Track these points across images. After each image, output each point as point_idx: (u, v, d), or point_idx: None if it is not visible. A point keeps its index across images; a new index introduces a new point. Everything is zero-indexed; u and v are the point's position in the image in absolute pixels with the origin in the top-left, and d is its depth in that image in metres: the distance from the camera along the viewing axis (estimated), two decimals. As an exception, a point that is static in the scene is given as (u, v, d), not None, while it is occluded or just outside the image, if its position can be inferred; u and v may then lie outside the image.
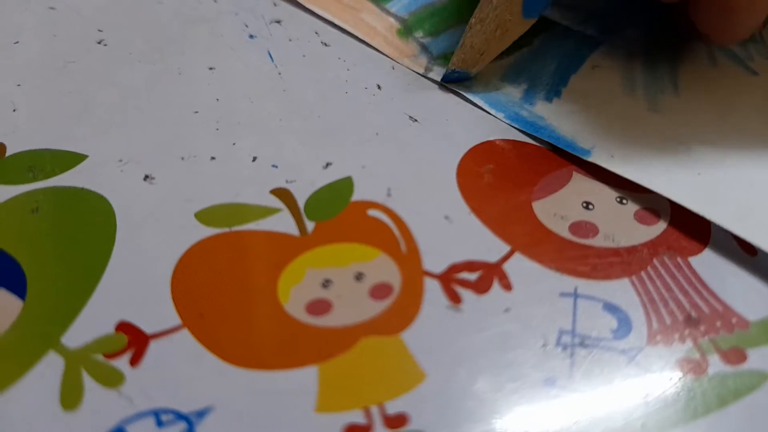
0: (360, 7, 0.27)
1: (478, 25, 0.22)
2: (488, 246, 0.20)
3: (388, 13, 0.27)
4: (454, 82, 0.24)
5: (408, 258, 0.20)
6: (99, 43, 0.26)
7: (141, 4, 0.27)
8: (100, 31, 0.26)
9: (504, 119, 0.23)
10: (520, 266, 0.20)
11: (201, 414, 0.16)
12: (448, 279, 0.19)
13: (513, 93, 0.24)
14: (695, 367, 0.18)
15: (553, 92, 0.24)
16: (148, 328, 0.18)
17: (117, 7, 0.27)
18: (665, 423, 0.17)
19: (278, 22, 0.26)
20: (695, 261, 0.20)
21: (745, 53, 0.25)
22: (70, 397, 0.16)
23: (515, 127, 0.23)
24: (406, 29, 0.26)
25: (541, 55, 0.25)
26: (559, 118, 0.23)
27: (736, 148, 0.22)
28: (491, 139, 0.23)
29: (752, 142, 0.22)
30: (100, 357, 0.17)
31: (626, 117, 0.23)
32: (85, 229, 0.20)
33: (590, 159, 0.22)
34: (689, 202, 0.20)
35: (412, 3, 0.27)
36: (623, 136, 0.22)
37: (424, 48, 0.26)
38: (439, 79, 0.24)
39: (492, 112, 0.23)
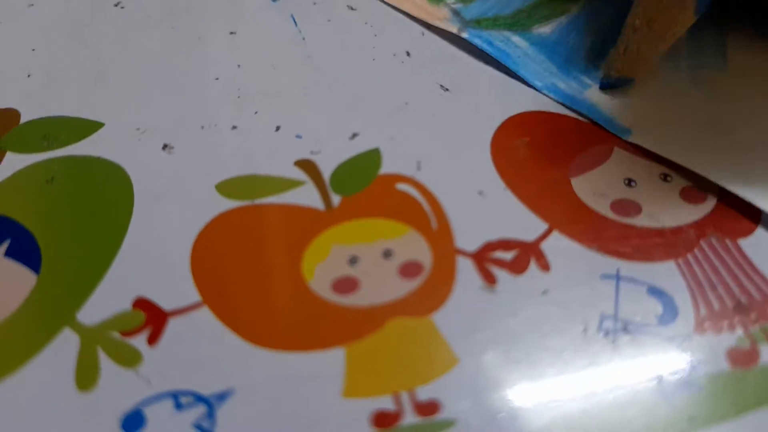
0: None
1: (644, 27, 0.20)
2: (524, 223, 0.19)
3: None
4: (611, 89, 0.22)
5: (439, 235, 0.19)
6: (116, 5, 0.24)
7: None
8: (117, -7, 0.25)
9: (541, 90, 0.22)
10: (558, 245, 0.18)
11: (222, 397, 0.16)
12: (482, 258, 0.18)
13: (550, 64, 0.23)
14: (745, 357, 0.17)
15: (593, 65, 0.23)
16: (166, 305, 0.17)
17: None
18: (713, 416, 0.16)
19: (302, -16, 0.25)
20: (745, 243, 0.19)
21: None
22: (86, 377, 0.16)
23: (552, 99, 0.22)
24: None
25: (579, 25, 0.24)
26: (598, 93, 0.22)
27: None
28: (527, 110, 0.22)
29: None
30: (116, 335, 0.16)
31: (669, 92, 0.22)
32: (101, 201, 0.19)
33: (630, 139, 0.20)
34: (736, 186, 0.19)
35: None
36: (665, 113, 0.21)
37: (456, 13, 0.24)
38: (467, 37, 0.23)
39: (528, 81, 0.22)
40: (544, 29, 0.24)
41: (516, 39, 0.23)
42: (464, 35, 0.23)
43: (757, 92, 0.22)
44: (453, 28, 0.23)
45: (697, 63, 0.23)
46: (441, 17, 0.24)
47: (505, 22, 0.24)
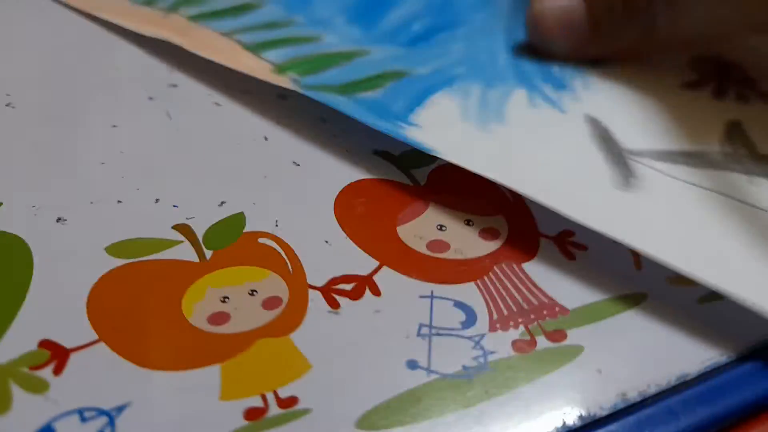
0: (238, 54, 0.30)
1: None
2: (361, 262, 0.24)
3: (264, 59, 0.30)
4: None
5: (294, 276, 0.23)
6: (7, 105, 0.28)
7: (48, 69, 0.30)
8: (8, 95, 0.28)
9: (366, 123, 0.26)
10: (387, 277, 0.23)
11: (120, 409, 0.19)
12: (328, 290, 0.23)
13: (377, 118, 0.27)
14: (526, 346, 0.22)
15: (401, 118, 0.27)
16: (68, 343, 0.20)
17: (25, 74, 0.29)
18: (505, 387, 0.21)
19: (174, 86, 0.30)
20: (527, 266, 0.25)
21: (556, 96, 0.30)
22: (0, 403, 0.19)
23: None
24: (281, 70, 0.29)
25: (404, 87, 0.29)
26: (414, 130, 0.26)
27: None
28: (364, 178, 0.27)
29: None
30: (25, 369, 0.20)
31: (464, 137, 0.27)
32: (5, 264, 0.22)
33: (439, 156, 0.25)
34: (508, 180, 0.24)
35: (289, 53, 0.30)
36: (464, 148, 0.26)
37: (296, 82, 0.28)
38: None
39: (360, 120, 0.26)
40: (373, 94, 0.28)
41: (344, 100, 0.27)
42: (300, 90, 0.27)
43: (526, 143, 0.27)
44: (289, 84, 0.28)
45: (483, 118, 0.28)
46: (283, 84, 0.28)
47: (335, 88, 0.28)
